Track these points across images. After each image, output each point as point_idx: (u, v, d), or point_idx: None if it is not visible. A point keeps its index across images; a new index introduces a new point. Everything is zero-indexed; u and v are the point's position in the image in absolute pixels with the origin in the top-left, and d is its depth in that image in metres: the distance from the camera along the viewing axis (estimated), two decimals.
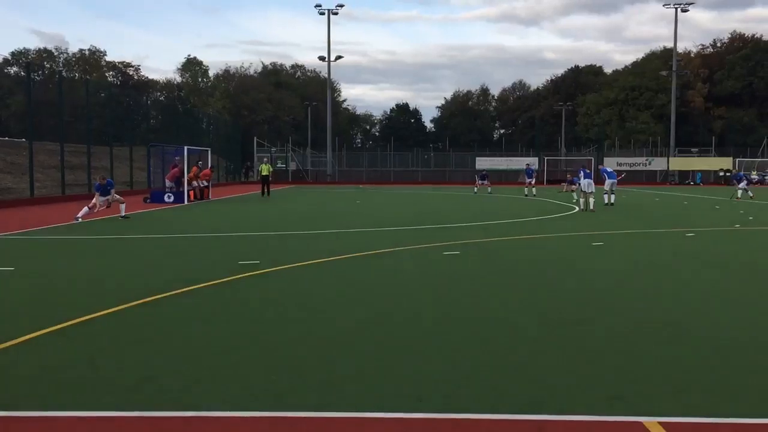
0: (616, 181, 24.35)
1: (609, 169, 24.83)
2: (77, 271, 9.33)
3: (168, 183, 27.11)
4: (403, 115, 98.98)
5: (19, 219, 17.54)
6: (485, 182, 36.82)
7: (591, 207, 21.14)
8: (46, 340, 5.55)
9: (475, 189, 36.82)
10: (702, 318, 6.55)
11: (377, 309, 6.88)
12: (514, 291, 7.90)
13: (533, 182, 32.59)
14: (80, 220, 16.62)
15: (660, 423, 3.81)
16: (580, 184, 22.22)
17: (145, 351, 5.25)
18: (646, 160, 61.30)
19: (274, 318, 6.45)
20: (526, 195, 31.97)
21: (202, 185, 29.30)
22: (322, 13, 61.43)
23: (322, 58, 63.90)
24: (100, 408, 4.01)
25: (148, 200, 26.37)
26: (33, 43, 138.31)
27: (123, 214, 17.61)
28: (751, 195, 30.20)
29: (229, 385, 4.43)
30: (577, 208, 22.11)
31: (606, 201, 23.63)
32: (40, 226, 15.65)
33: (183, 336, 5.72)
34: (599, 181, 23.98)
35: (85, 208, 17.02)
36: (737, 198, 29.43)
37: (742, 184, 30.84)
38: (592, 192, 21.33)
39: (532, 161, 50.26)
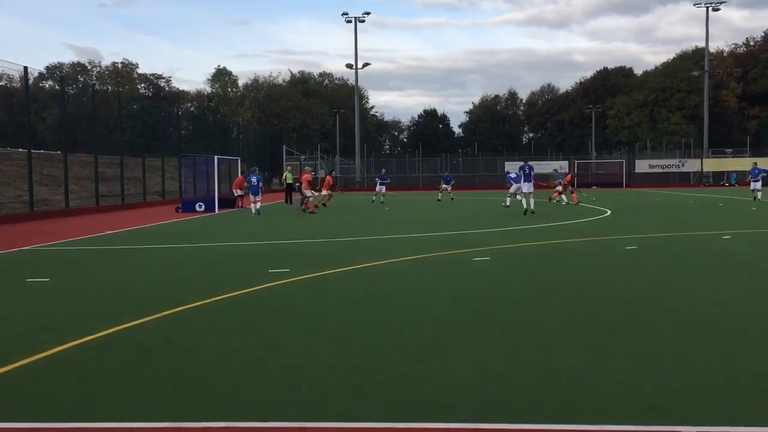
0: (521, 185, 22.69)
1: (512, 174, 25.24)
2: (109, 281, 9.42)
3: (237, 192, 29.53)
4: (431, 120, 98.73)
5: (56, 230, 17.84)
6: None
7: (532, 207, 21.57)
8: (76, 351, 5.60)
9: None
10: (741, 324, 6.36)
11: (406, 317, 6.82)
12: (546, 297, 7.78)
13: (451, 189, 33.25)
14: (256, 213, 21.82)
15: None
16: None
17: (174, 361, 5.26)
18: (679, 161, 60.40)
19: (304, 326, 6.43)
20: (440, 199, 32.77)
21: (237, 194, 30.07)
22: (349, 21, 61.76)
23: (349, 66, 64.21)
24: (128, 419, 4.01)
25: (179, 210, 26.68)
26: (68, 57, 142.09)
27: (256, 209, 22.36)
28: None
29: (256, 395, 4.41)
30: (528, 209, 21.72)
31: (508, 203, 25.11)
32: (75, 236, 15.89)
33: (213, 345, 5.72)
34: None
35: (256, 205, 22.22)
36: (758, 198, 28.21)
37: (757, 185, 29.09)
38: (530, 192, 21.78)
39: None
